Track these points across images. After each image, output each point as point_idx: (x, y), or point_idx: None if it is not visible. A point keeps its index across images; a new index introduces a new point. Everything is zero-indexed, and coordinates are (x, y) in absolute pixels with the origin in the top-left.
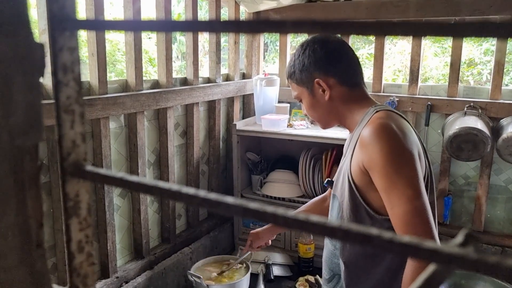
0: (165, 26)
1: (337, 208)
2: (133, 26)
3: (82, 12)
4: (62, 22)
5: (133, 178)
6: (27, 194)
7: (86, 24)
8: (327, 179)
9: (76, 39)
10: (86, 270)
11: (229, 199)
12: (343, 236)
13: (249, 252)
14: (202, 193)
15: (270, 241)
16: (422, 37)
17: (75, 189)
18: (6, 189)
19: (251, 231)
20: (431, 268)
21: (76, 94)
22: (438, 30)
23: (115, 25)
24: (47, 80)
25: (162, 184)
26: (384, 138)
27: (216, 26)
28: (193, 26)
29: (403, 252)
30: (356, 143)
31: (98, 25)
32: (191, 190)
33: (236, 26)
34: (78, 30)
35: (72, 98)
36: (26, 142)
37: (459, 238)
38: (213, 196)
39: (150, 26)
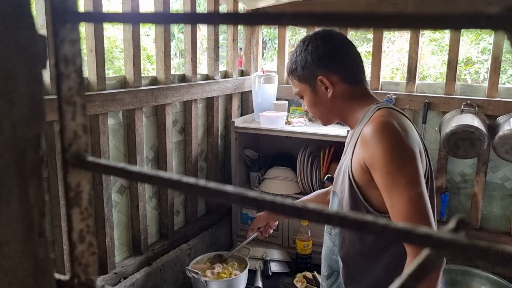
0: (164, 18)
1: (337, 204)
2: (133, 18)
3: (80, 8)
4: (64, 14)
5: (134, 168)
6: (30, 184)
7: (87, 17)
8: (327, 176)
9: (78, 31)
10: (88, 260)
11: (228, 188)
12: (339, 223)
13: (255, 234)
14: (202, 182)
15: (271, 230)
16: (420, 31)
17: (77, 180)
18: (9, 178)
19: (257, 214)
20: (423, 253)
21: (77, 86)
22: (432, 21)
23: (116, 17)
24: (45, 76)
25: (162, 174)
26: (386, 136)
27: (213, 18)
28: (190, 18)
29: (397, 237)
30: (357, 140)
31: (99, 17)
32: (191, 180)
33: (233, 19)
34: (79, 23)
35: (73, 89)
36: (29, 133)
37: (451, 224)
38: (212, 185)
39: (149, 18)
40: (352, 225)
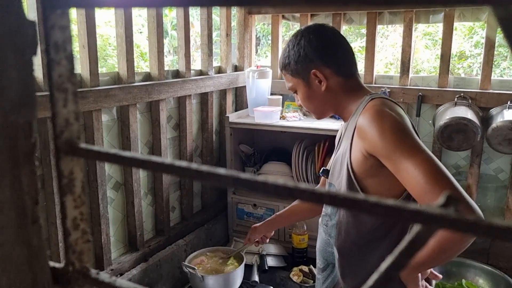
0: (156, 1)
1: None
2: (125, 1)
3: None
4: (53, 0)
5: (126, 153)
6: (22, 171)
7: (77, 1)
8: (322, 168)
9: (68, 17)
10: (82, 247)
11: (220, 170)
12: (330, 201)
13: (247, 244)
14: (195, 165)
15: (267, 239)
16: (412, 24)
17: (69, 167)
18: (1, 165)
19: (252, 226)
20: (414, 229)
21: (68, 72)
22: None
23: (107, 2)
24: (38, 73)
25: (155, 158)
26: (381, 121)
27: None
28: (177, 1)
29: (388, 214)
30: (354, 132)
31: (90, 2)
32: (183, 163)
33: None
34: (69, 8)
35: (64, 76)
36: (20, 119)
37: (441, 200)
38: (205, 168)
39: (142, 1)
40: (343, 203)
